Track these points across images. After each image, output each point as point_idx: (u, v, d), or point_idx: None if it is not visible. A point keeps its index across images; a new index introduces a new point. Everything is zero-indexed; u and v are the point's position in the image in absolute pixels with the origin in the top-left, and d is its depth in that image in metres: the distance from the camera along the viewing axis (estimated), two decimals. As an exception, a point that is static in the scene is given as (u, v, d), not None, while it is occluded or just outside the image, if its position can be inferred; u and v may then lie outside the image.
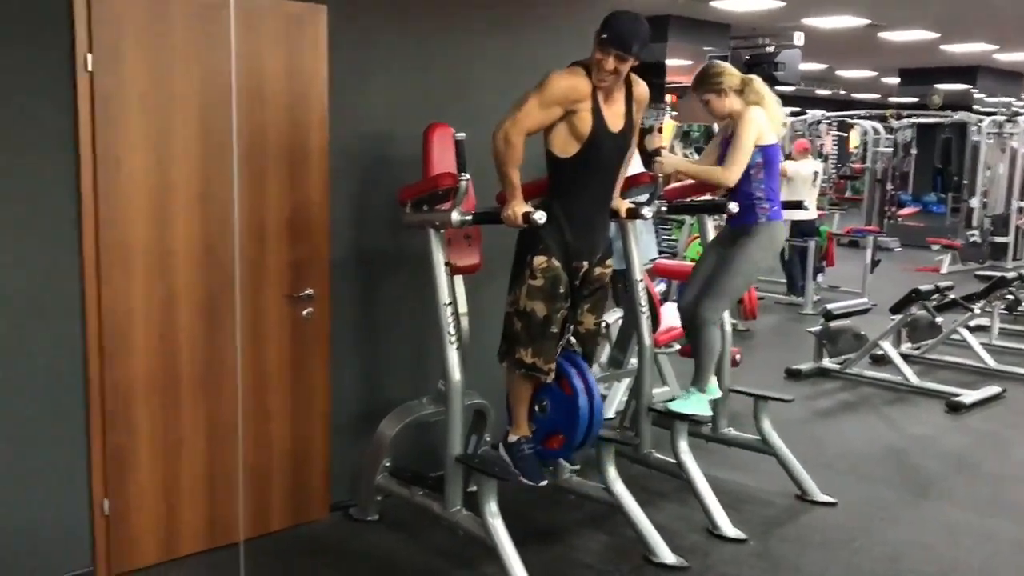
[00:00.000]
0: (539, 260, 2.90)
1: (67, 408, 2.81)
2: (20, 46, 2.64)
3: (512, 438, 3.10)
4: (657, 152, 3.51)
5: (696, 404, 3.51)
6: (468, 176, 2.85)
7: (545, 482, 3.09)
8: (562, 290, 2.94)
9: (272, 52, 3.09)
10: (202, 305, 2.99)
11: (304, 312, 3.20)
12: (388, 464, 3.32)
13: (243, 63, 2.95)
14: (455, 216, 2.88)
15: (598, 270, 3.06)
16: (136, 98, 2.82)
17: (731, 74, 3.53)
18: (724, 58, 8.78)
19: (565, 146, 2.93)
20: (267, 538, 3.23)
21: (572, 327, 3.11)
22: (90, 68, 2.72)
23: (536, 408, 3.12)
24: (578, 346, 3.15)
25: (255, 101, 3.06)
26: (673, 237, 8.57)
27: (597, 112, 2.90)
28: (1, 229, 2.66)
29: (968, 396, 5.18)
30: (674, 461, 3.50)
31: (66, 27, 2.71)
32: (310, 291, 3.22)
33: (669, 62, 8.98)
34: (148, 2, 2.82)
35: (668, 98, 8.63)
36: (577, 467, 3.47)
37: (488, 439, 3.42)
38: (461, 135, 2.87)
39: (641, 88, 3.08)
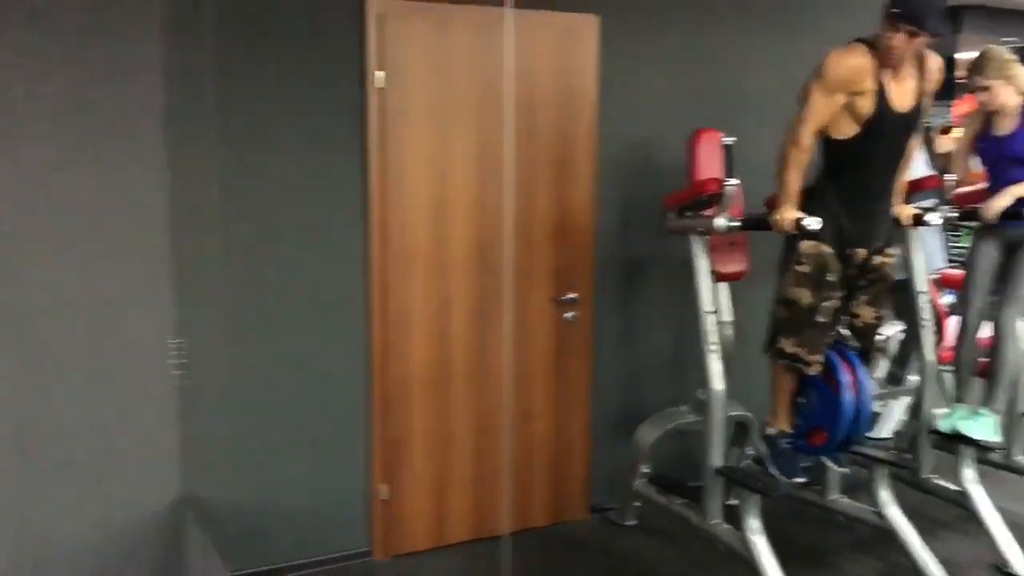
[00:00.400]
0: (806, 244, 2.73)
1: (352, 400, 3.06)
2: (317, 66, 2.91)
3: (771, 431, 2.98)
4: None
5: (985, 427, 3.21)
6: (736, 181, 2.79)
7: (802, 480, 2.94)
8: (831, 278, 2.76)
9: (545, 63, 3.19)
10: (473, 308, 3.15)
11: (568, 315, 3.28)
12: (647, 470, 3.32)
13: (517, 74, 3.07)
14: (719, 222, 2.83)
15: (878, 259, 2.85)
16: (419, 111, 3.02)
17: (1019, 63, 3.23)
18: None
19: (843, 126, 2.72)
20: (530, 533, 3.33)
21: (848, 319, 2.92)
22: (380, 84, 2.94)
23: (800, 401, 2.96)
24: (854, 340, 2.95)
25: (527, 111, 3.17)
26: (962, 244, 7.88)
27: (881, 91, 2.68)
28: (306, 233, 2.94)
29: None
30: (957, 489, 3.23)
31: (357, 48, 2.95)
32: (574, 295, 3.29)
33: (960, 55, 8.26)
34: (432, 20, 3.00)
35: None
36: (846, 470, 3.21)
37: (751, 452, 3.32)
38: (730, 140, 2.81)
39: (934, 62, 2.82)
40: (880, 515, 3.07)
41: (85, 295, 2.70)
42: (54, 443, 2.77)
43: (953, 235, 8.31)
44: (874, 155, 2.79)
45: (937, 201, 3.23)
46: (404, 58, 2.97)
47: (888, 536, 3.08)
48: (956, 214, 3.32)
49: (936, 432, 3.28)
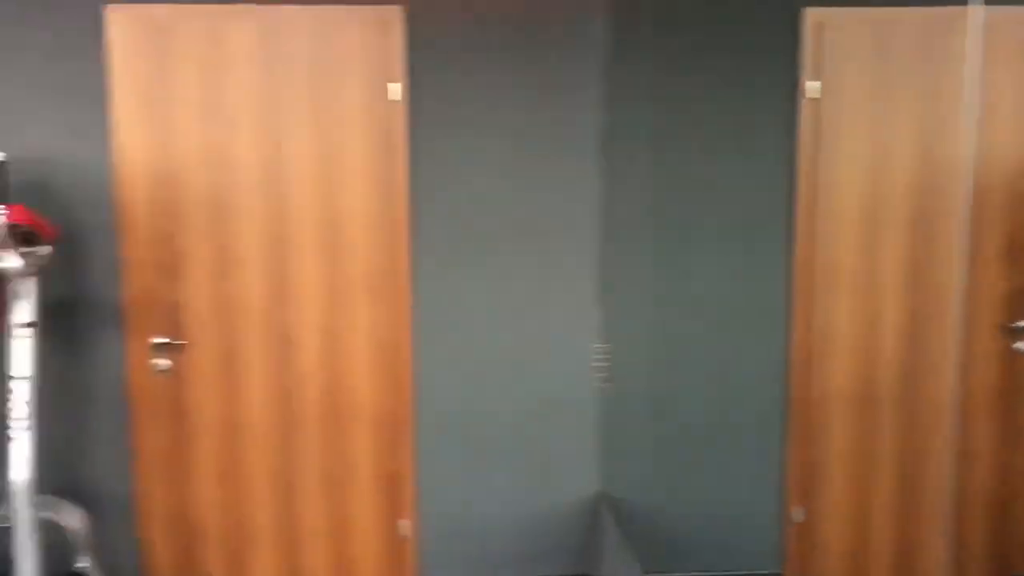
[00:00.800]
0: None
1: (768, 415, 3.00)
2: (748, 78, 3.00)
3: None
4: None
5: None
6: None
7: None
8: None
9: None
10: (903, 329, 2.86)
11: (1020, 344, 2.79)
12: None
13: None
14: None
15: None
16: (853, 124, 2.87)
17: None
18: None
19: None
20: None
21: None
22: (813, 95, 2.87)
23: None
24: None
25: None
26: None
27: None
28: (729, 243, 3.00)
29: None
30: None
31: (791, 58, 2.92)
32: (1032, 322, 2.79)
33: None
34: (872, 27, 2.83)
35: None
36: None
37: None
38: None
39: None
40: None
41: (528, 298, 3.12)
42: (492, 432, 3.25)
43: None
44: None
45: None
46: (840, 68, 2.86)
47: None
48: None
49: None
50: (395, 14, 3.65)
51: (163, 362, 3.76)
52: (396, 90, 3.69)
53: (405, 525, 3.95)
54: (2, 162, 2.75)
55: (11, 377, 3.00)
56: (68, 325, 3.72)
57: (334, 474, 3.90)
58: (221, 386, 3.81)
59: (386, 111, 3.71)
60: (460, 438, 3.90)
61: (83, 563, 3.59)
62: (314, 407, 3.85)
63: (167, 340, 3.76)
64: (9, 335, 3.02)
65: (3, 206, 2.78)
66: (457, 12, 3.68)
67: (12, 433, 3.00)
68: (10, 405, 2.99)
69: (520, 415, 3.62)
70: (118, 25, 3.60)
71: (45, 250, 3.17)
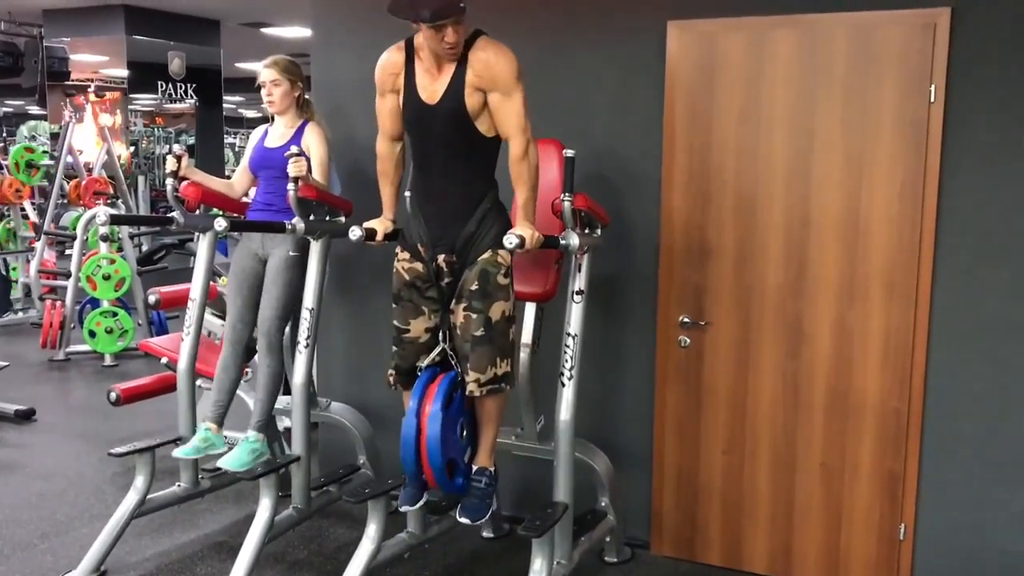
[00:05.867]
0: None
1: None
2: None
3: None
4: None
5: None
6: None
7: None
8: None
9: None
10: None
11: None
12: None
13: None
14: None
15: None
16: None
17: None
18: None
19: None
20: None
21: None
22: None
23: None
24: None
25: None
26: None
27: (411, 85, 3.19)
28: None
29: None
30: None
31: None
32: None
33: None
34: None
35: None
36: None
37: None
38: None
39: (482, 54, 3.18)
40: None
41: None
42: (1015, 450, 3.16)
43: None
44: (422, 152, 3.26)
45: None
46: None
47: None
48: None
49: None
50: (940, 17, 3.63)
51: (686, 338, 4.21)
52: (934, 92, 3.68)
53: (904, 528, 3.93)
54: (571, 158, 3.36)
55: (568, 334, 3.65)
56: (611, 296, 4.36)
57: (832, 463, 4.03)
58: (734, 365, 4.15)
59: (921, 113, 3.71)
60: (976, 448, 3.77)
61: (603, 502, 4.19)
62: (819, 395, 4.01)
63: (691, 319, 4.21)
64: (570, 300, 3.67)
65: (570, 194, 3.40)
66: (1008, 11, 3.55)
67: (564, 380, 3.65)
68: (565, 357, 3.64)
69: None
70: (676, 39, 4.10)
71: (599, 232, 3.77)
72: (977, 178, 3.67)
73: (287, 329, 4.38)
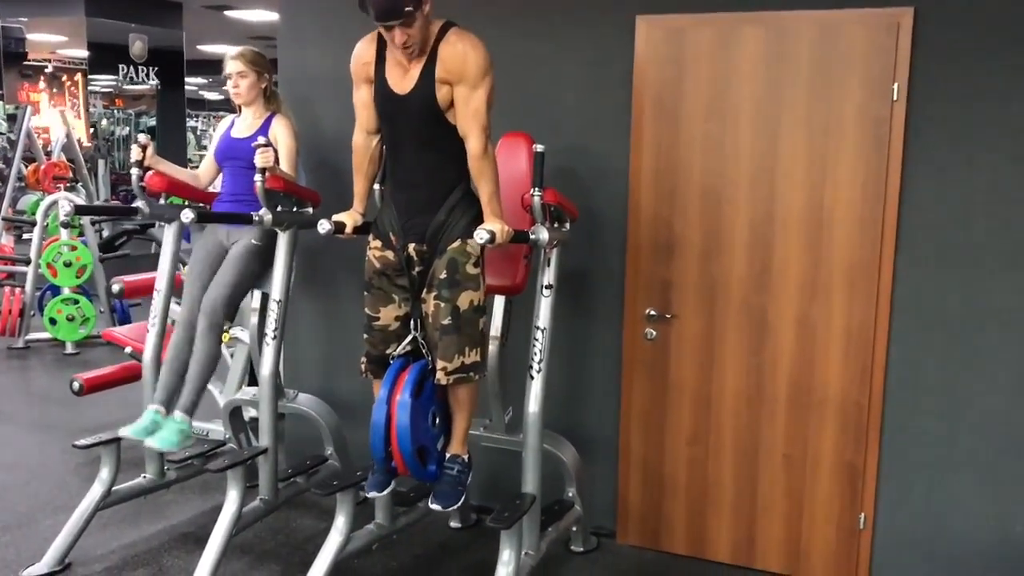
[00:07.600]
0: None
1: None
2: None
3: None
4: None
5: None
6: None
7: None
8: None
9: None
10: None
11: None
12: None
13: None
14: None
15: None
16: None
17: None
18: None
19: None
20: None
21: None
22: None
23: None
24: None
25: None
26: None
27: (380, 77, 3.24)
28: None
29: None
30: None
31: None
32: None
33: None
34: None
35: None
36: None
37: None
38: None
39: (449, 47, 3.17)
40: None
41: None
42: (972, 440, 3.23)
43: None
44: (394, 142, 3.28)
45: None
46: None
47: None
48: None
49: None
50: (904, 16, 3.69)
51: (652, 331, 4.26)
52: (897, 90, 3.74)
53: (864, 519, 4.02)
54: (541, 153, 3.38)
55: (537, 328, 3.68)
56: (579, 290, 4.39)
57: (795, 455, 4.11)
58: (700, 358, 4.21)
59: (884, 111, 3.77)
60: (934, 440, 3.86)
61: (570, 492, 4.23)
62: (782, 388, 4.08)
63: (657, 312, 4.25)
64: (539, 293, 3.70)
65: (539, 189, 3.41)
66: (969, 13, 3.61)
67: (532, 372, 3.67)
68: (534, 350, 3.66)
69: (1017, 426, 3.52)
70: (644, 33, 4.12)
71: (568, 227, 3.79)
72: (938, 176, 3.74)
73: (255, 321, 4.37)
